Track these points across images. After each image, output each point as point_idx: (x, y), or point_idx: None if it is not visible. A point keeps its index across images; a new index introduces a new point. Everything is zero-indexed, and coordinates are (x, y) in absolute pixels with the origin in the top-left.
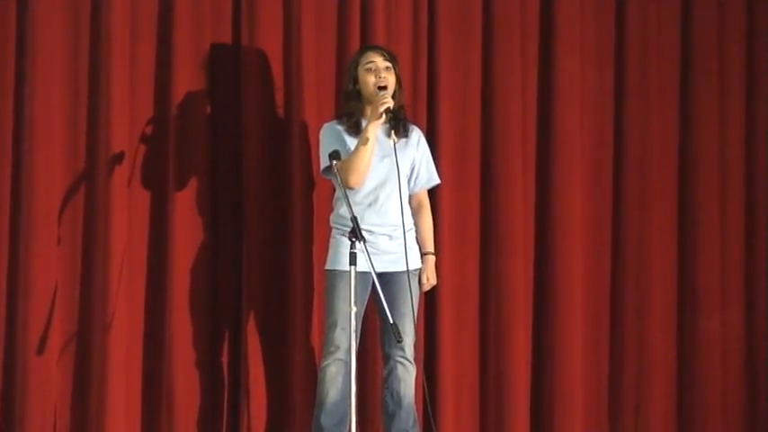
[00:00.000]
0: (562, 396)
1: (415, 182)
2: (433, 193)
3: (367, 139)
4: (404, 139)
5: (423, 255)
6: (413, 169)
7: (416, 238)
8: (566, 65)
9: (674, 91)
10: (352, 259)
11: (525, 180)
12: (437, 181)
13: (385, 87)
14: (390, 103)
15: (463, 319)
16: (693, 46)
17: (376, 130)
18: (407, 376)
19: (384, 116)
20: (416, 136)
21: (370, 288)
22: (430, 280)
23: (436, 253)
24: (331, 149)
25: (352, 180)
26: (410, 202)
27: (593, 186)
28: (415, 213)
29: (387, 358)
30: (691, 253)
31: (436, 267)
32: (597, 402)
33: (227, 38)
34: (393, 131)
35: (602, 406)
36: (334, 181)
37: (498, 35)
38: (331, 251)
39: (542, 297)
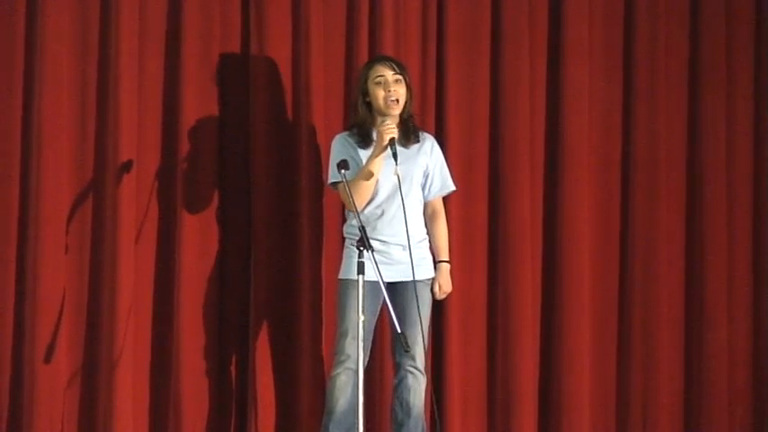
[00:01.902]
0: (570, 404)
1: (429, 189)
2: (442, 201)
3: (370, 174)
4: (416, 146)
5: (437, 263)
6: (426, 177)
7: (430, 246)
8: (574, 72)
9: (681, 99)
10: (360, 269)
11: (533, 189)
12: (452, 188)
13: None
14: (395, 134)
15: (471, 326)
16: (701, 53)
17: (381, 163)
18: (417, 386)
19: (390, 148)
20: (429, 143)
21: (382, 297)
22: (443, 288)
23: (449, 260)
24: (339, 161)
25: (355, 204)
26: (425, 210)
27: (601, 195)
28: (430, 221)
29: (397, 367)
30: (698, 261)
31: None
32: (605, 412)
33: (235, 47)
34: (396, 163)
35: (610, 415)
36: (341, 195)
37: (507, 43)
38: (344, 261)
39: (550, 304)
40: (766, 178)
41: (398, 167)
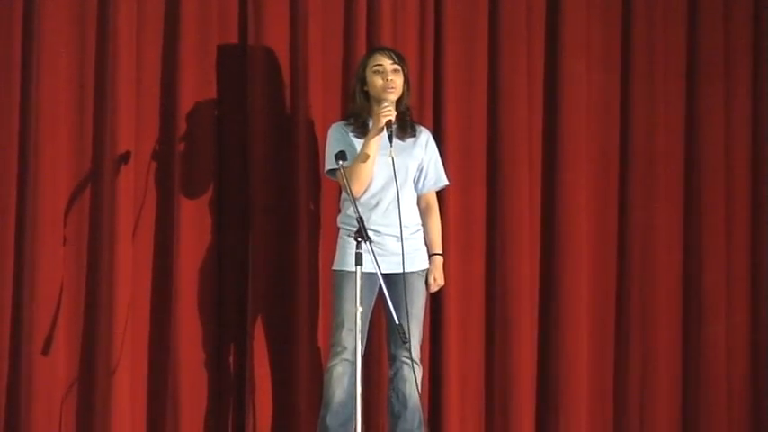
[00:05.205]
0: (567, 397)
1: (423, 183)
2: (439, 194)
3: (367, 156)
4: (411, 139)
5: (430, 256)
6: (421, 170)
7: (424, 239)
8: (572, 67)
9: (679, 94)
10: (358, 260)
11: (531, 182)
12: (445, 183)
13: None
14: (392, 116)
15: (469, 319)
16: (699, 49)
17: (377, 144)
18: (413, 377)
19: (385, 129)
20: (425, 137)
21: (377, 289)
22: (437, 280)
23: (442, 253)
24: (337, 151)
25: (354, 189)
26: (418, 204)
27: (598, 188)
28: (423, 214)
29: (393, 359)
30: (696, 255)
31: (443, 268)
32: (602, 405)
33: (233, 38)
34: (391, 145)
35: (608, 408)
36: (339, 182)
37: (504, 37)
38: (338, 252)
39: (548, 298)
40: (764, 173)
41: (395, 159)
